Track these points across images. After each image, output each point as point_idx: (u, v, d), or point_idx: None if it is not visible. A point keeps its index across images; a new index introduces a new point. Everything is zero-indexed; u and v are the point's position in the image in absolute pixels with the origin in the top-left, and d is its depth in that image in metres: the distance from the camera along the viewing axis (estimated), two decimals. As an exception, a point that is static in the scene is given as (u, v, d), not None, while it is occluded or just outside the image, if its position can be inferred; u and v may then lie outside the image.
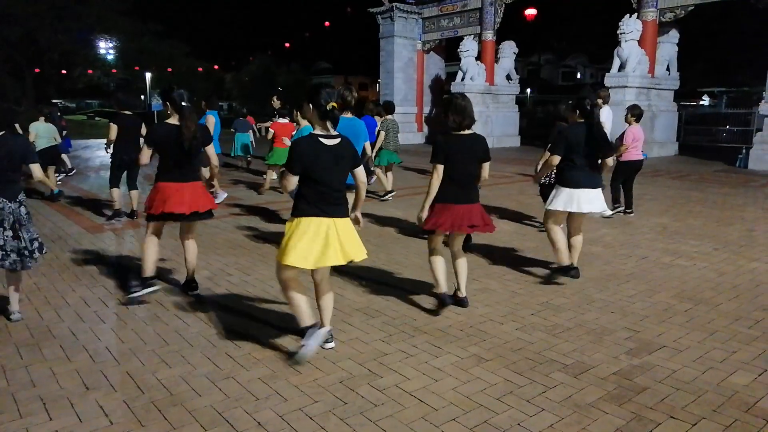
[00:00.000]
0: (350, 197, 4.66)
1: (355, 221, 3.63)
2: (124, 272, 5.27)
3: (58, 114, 12.52)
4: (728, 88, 36.21)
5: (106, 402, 2.97)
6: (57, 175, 10.93)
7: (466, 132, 4.11)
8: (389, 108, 9.91)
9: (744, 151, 14.67)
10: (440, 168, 4.06)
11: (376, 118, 9.94)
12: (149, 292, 4.42)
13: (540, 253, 5.93)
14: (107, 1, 32.04)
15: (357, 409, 2.92)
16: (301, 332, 3.45)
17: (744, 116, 20.25)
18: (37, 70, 34.45)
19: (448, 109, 4.11)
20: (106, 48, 38.67)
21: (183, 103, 4.28)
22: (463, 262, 4.36)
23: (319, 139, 3.29)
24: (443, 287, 4.24)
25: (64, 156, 12.18)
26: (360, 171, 3.50)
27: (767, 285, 4.97)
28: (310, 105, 3.35)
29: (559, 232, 4.99)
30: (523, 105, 31.39)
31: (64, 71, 38.19)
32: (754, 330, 3.96)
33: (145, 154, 4.36)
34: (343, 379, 3.24)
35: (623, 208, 8.02)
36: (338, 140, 3.34)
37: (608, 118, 9.65)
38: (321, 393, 3.08)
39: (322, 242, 3.25)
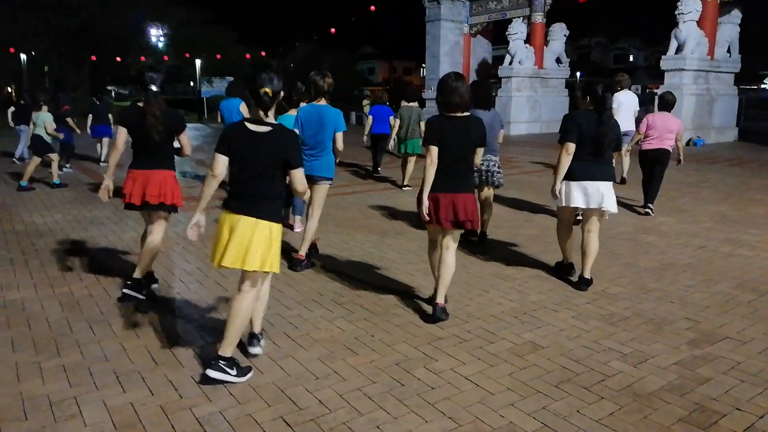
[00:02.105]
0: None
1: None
2: (183, 253, 5.47)
3: (62, 101, 11.41)
4: (793, 70, 34.29)
5: (175, 377, 3.12)
6: (66, 165, 10.75)
7: (459, 114, 3.76)
8: (406, 95, 9.49)
9: (810, 136, 13.93)
10: (434, 150, 3.73)
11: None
12: (136, 297, 4.27)
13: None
14: None
15: (414, 391, 2.97)
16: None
17: (810, 100, 19.21)
18: (93, 58, 35.72)
19: (438, 90, 3.80)
20: (156, 36, 39.71)
21: (152, 87, 4.01)
22: (446, 265, 3.89)
23: (245, 123, 3.06)
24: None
25: (104, 140, 11.88)
26: (294, 169, 3.08)
27: (837, 277, 4.76)
28: (247, 91, 3.09)
29: (564, 232, 4.73)
30: (573, 89, 30.58)
31: (118, 59, 39.43)
32: (824, 323, 3.81)
33: (120, 136, 4.16)
34: (399, 362, 3.29)
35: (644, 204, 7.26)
36: (269, 129, 3.03)
37: (625, 104, 8.97)
38: (378, 374, 3.15)
39: (225, 241, 3.03)
